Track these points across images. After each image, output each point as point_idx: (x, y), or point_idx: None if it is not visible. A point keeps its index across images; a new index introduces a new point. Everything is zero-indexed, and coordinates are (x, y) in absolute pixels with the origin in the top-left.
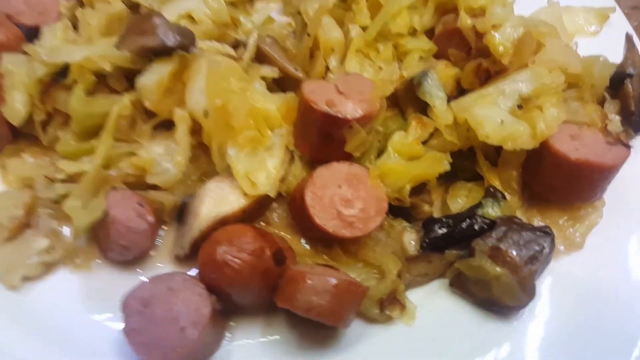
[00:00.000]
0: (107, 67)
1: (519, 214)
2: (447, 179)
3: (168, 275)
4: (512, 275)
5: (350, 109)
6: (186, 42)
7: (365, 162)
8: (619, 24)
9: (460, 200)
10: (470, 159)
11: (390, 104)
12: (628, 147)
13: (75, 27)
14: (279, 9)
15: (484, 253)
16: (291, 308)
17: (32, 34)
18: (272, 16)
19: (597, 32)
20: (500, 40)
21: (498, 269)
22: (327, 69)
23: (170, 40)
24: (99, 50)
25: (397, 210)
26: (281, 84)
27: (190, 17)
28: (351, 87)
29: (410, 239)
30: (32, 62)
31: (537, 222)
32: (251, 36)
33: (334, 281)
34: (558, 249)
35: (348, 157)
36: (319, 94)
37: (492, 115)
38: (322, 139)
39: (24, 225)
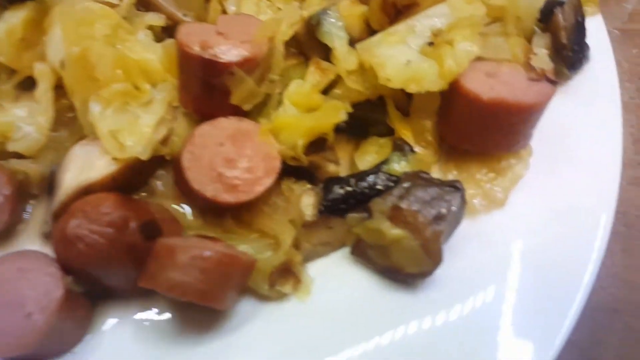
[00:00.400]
0: None
1: (436, 170)
2: (358, 135)
3: (20, 254)
4: (414, 238)
5: (228, 52)
6: None
7: (262, 118)
8: None
9: (369, 157)
10: (382, 111)
11: (295, 52)
12: (553, 83)
13: None
14: None
15: (382, 214)
16: (153, 287)
17: None
18: None
19: None
20: None
21: (397, 231)
22: (224, 11)
23: None
24: None
25: (300, 172)
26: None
27: None
28: (233, 28)
29: (308, 203)
30: None
31: (455, 177)
32: None
33: (204, 254)
34: (475, 207)
35: (239, 113)
36: (195, 36)
37: (397, 55)
38: (203, 90)
39: None
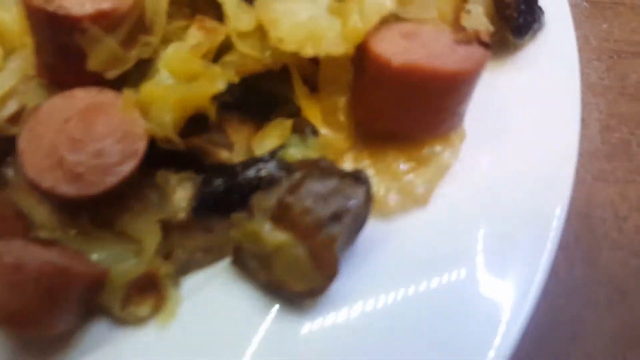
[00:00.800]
0: None
1: (350, 158)
2: (260, 115)
3: None
4: (300, 244)
5: (78, 3)
6: None
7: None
8: None
9: (269, 142)
10: (290, 86)
11: (189, 12)
12: (486, 47)
13: None
14: None
15: (265, 212)
16: None
17: None
18: None
19: None
20: None
21: (280, 235)
22: None
23: None
24: None
25: (184, 159)
26: None
27: None
28: None
29: (183, 197)
30: None
31: (367, 167)
32: None
33: (17, 263)
34: (389, 205)
35: (106, 83)
36: None
37: (298, 11)
38: (57, 54)
39: None
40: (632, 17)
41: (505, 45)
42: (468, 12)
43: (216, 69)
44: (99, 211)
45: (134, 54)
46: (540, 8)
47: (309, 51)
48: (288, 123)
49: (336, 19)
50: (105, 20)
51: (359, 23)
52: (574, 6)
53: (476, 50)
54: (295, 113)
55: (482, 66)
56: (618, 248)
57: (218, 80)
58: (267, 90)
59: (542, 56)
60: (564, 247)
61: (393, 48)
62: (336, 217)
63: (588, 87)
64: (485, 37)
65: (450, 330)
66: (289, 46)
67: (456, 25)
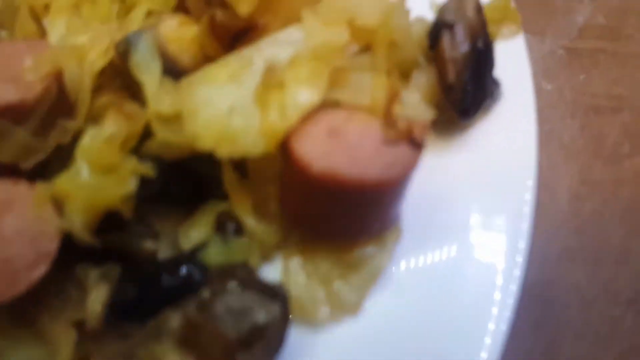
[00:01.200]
0: None
1: (282, 256)
2: (191, 200)
3: None
4: None
5: None
6: None
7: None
8: None
9: (196, 233)
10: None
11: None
12: (418, 146)
13: None
14: None
15: (172, 334)
16: None
17: None
18: None
19: None
20: None
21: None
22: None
23: None
24: None
25: (107, 251)
26: None
27: None
28: (3, 60)
29: (98, 299)
30: None
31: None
32: None
33: None
34: (318, 315)
35: (24, 173)
36: None
37: (219, 98)
38: None
39: None
40: (613, 66)
41: (452, 123)
42: (404, 100)
43: (130, 163)
44: (16, 309)
45: (51, 142)
46: (494, 80)
47: (224, 152)
48: (213, 214)
49: (257, 112)
50: (12, 112)
51: (277, 122)
52: (548, 54)
53: (407, 152)
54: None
55: (412, 171)
56: (583, 338)
57: (129, 179)
58: (195, 172)
59: (495, 133)
60: (519, 337)
61: (315, 149)
62: (249, 342)
63: (560, 149)
64: (419, 134)
65: None
66: (204, 144)
67: (388, 115)
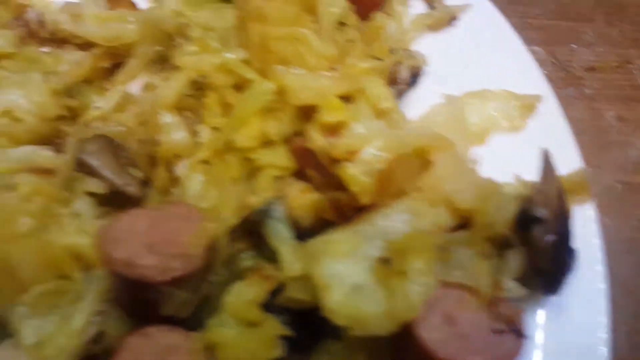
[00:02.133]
0: None
1: None
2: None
3: None
4: None
5: (156, 271)
6: None
7: (193, 323)
8: (548, 116)
9: None
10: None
11: (245, 232)
12: (521, 335)
13: None
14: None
15: None
16: None
17: None
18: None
19: (518, 128)
20: (356, 174)
21: None
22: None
23: None
24: None
25: None
26: (117, 196)
27: (10, 114)
28: (165, 233)
29: None
30: None
31: None
32: (69, 145)
33: None
34: None
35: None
36: (123, 244)
37: (345, 275)
38: (132, 297)
39: None
40: None
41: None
42: (504, 288)
43: (271, 323)
44: None
45: (201, 295)
46: (572, 251)
47: (356, 332)
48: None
49: (380, 291)
50: (179, 281)
51: (404, 310)
52: (608, 188)
53: (512, 341)
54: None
55: (516, 356)
56: None
57: (275, 342)
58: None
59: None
60: None
61: (438, 336)
62: None
63: (618, 285)
64: (520, 323)
65: None
66: (339, 321)
67: (493, 306)
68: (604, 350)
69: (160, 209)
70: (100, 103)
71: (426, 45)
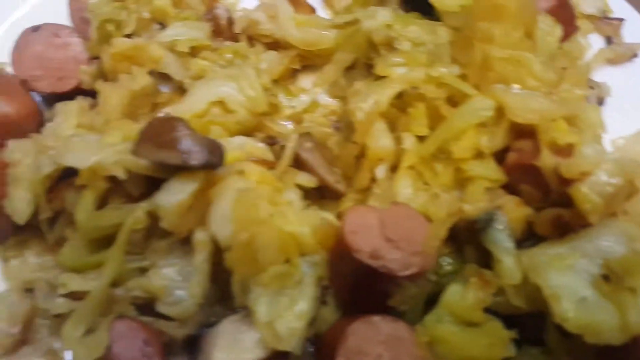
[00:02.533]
0: (121, 175)
1: None
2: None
3: None
4: None
5: (400, 265)
6: (214, 161)
7: (409, 316)
8: None
9: None
10: (535, 320)
11: (448, 247)
12: None
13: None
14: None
15: None
16: None
17: (50, 99)
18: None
19: None
20: (589, 194)
21: None
22: (373, 181)
23: (195, 159)
24: (112, 155)
25: None
26: (321, 192)
27: (221, 104)
28: (400, 230)
29: None
30: (40, 154)
31: None
32: (289, 141)
33: None
34: None
35: (390, 311)
36: (362, 236)
37: (571, 286)
38: (361, 287)
39: (21, 342)
40: None
41: None
42: None
43: (503, 332)
44: None
45: (420, 291)
46: None
47: (590, 338)
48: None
49: (610, 307)
50: (417, 276)
51: (637, 323)
52: None
53: None
54: (535, 342)
55: None
56: None
57: (506, 346)
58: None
59: None
60: None
61: None
62: None
63: None
64: None
65: None
66: (572, 328)
67: None
68: None
69: (386, 208)
70: (294, 103)
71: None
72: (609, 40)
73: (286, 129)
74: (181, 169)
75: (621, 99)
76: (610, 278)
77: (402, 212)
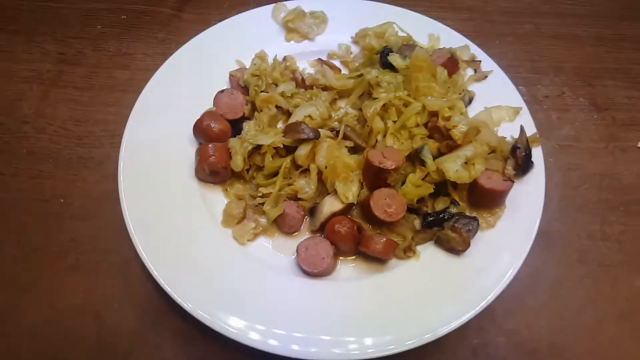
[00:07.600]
0: (281, 145)
1: (467, 211)
2: (435, 195)
3: (313, 237)
4: (459, 237)
5: (389, 165)
6: (316, 135)
7: (396, 187)
8: (525, 116)
9: (440, 205)
10: (444, 186)
11: (407, 161)
12: (512, 181)
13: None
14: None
15: (448, 228)
16: (366, 250)
17: (232, 122)
18: (348, 111)
19: (512, 120)
20: (457, 132)
21: (454, 235)
22: (376, 141)
23: (310, 135)
24: (276, 138)
25: (412, 210)
26: (355, 148)
27: (309, 117)
28: (389, 154)
29: (417, 223)
30: (243, 142)
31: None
32: (341, 127)
33: (383, 240)
34: (482, 226)
35: (388, 185)
36: (374, 157)
37: (453, 167)
38: (375, 178)
39: (242, 217)
40: None
41: (516, 176)
42: (507, 169)
43: (428, 185)
44: (387, 224)
45: (398, 177)
46: (532, 162)
47: (460, 180)
48: (446, 199)
49: (466, 170)
50: (396, 169)
51: (474, 174)
52: (550, 147)
53: (509, 182)
54: (445, 194)
55: (510, 188)
56: None
57: (429, 188)
58: (437, 187)
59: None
60: None
61: (484, 181)
62: (469, 230)
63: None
64: (513, 178)
65: None
66: (453, 179)
67: (503, 173)
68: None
69: (384, 149)
70: (338, 113)
71: (472, 87)
72: (475, 70)
73: (336, 125)
74: (303, 141)
75: (479, 98)
76: (467, 163)
77: (390, 150)
